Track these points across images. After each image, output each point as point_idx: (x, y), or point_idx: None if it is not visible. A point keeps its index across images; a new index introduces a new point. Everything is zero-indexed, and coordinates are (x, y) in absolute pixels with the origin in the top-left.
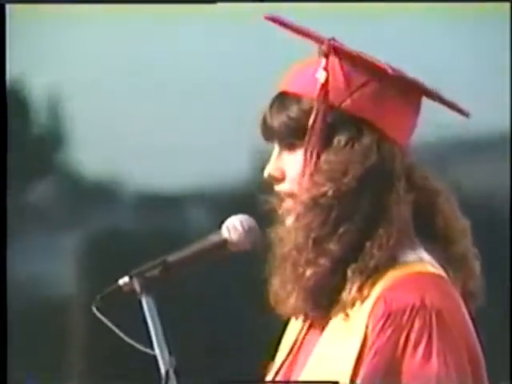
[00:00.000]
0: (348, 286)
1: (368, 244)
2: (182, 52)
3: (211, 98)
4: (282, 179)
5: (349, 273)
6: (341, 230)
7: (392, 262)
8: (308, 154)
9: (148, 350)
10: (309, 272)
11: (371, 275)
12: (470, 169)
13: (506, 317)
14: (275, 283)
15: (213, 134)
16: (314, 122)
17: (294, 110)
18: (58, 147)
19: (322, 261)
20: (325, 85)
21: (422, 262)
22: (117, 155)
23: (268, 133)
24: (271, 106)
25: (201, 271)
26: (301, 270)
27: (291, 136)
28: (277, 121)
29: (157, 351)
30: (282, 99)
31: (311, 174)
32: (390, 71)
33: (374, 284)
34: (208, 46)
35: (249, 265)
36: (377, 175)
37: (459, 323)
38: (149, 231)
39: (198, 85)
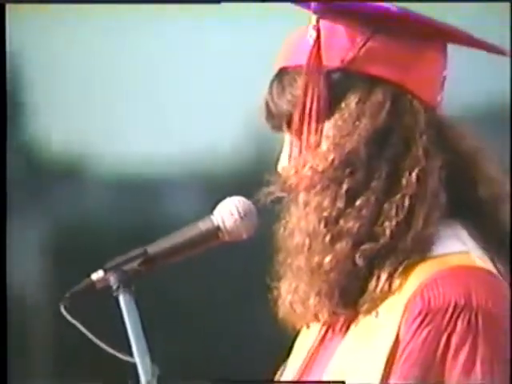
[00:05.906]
0: (374, 276)
1: (387, 222)
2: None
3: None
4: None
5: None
6: (357, 203)
7: (428, 248)
8: (305, 124)
9: (127, 358)
10: (327, 259)
11: (401, 262)
12: None
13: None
14: (285, 288)
15: (200, 106)
16: (306, 87)
17: (297, 86)
18: (20, 120)
19: (341, 243)
20: (315, 45)
21: (468, 253)
22: (87, 131)
23: (274, 120)
24: (271, 88)
25: (188, 262)
26: (317, 259)
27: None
28: (280, 103)
29: (137, 359)
30: (282, 77)
31: (315, 146)
32: (394, 11)
33: (407, 276)
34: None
35: (245, 257)
36: (390, 134)
37: (508, 327)
38: (125, 217)
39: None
